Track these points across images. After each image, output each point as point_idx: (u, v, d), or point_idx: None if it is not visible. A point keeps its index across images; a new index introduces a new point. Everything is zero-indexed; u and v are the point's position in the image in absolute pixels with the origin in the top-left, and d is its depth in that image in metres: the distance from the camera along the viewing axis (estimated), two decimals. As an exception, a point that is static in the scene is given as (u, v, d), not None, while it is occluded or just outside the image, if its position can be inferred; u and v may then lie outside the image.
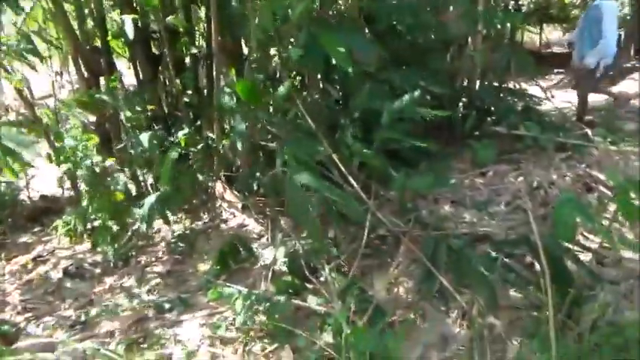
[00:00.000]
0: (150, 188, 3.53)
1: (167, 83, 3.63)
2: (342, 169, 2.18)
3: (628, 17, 13.03)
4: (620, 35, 14.19)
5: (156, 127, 3.43)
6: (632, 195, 1.34)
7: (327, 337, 1.80)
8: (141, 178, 3.54)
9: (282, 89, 2.27)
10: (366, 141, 2.50)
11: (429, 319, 1.86)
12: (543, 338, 1.32)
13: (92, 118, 3.60)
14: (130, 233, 3.03)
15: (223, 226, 2.95)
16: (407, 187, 2.26)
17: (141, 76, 3.71)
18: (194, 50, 3.27)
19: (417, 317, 1.88)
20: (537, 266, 1.89)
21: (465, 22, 3.69)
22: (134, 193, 3.46)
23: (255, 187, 2.87)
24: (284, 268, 2.27)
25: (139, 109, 3.25)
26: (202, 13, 3.53)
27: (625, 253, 2.04)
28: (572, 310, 1.71)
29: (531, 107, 4.05)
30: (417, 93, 2.18)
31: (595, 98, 4.91)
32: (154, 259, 2.78)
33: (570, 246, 1.85)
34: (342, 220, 2.46)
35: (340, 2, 3.24)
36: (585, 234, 2.21)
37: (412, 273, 2.10)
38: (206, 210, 3.11)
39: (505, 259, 2.02)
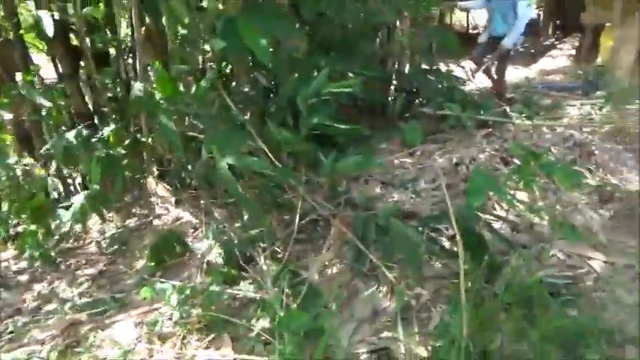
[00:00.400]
0: (78, 187, 3.41)
1: (90, 78, 3.48)
2: (272, 157, 2.20)
3: (544, -2, 13.79)
4: (539, 15, 14.98)
5: (80, 125, 3.29)
6: (532, 165, 1.47)
7: (264, 323, 1.84)
8: (68, 179, 3.40)
9: (204, 81, 2.26)
10: (296, 128, 2.54)
11: (360, 295, 1.94)
12: (457, 302, 1.43)
13: (9, 116, 3.40)
14: (57, 236, 2.91)
15: (157, 222, 2.90)
16: (336, 171, 2.32)
17: (61, 70, 3.53)
18: (115, 42, 3.15)
19: (350, 295, 1.96)
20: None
21: (389, 8, 3.79)
22: (61, 193, 3.33)
23: (188, 181, 2.85)
24: (220, 260, 2.28)
25: (61, 103, 3.11)
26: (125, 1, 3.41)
27: (536, 219, 2.21)
28: (490, 276, 1.85)
29: (456, 88, 4.25)
30: (325, 72, 2.21)
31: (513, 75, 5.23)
32: (84, 261, 2.69)
33: (486, 215, 1.99)
34: (275, 207, 2.50)
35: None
36: (502, 205, 2.38)
37: (344, 253, 2.17)
38: (138, 207, 3.04)
39: (430, 233, 2.14)
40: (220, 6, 2.40)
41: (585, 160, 2.74)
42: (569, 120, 3.72)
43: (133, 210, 3.05)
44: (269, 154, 2.22)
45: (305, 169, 2.54)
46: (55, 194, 3.20)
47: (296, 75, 3.04)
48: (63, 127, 3.27)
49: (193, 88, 2.54)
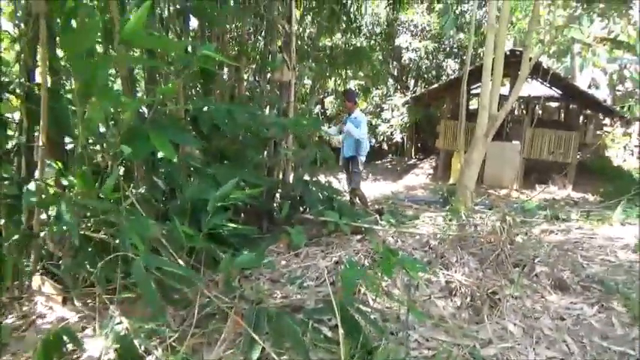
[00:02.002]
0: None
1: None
2: (173, 254, 2.41)
3: (407, 125, 16.09)
4: (403, 139, 17.11)
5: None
6: (391, 259, 1.91)
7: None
8: None
9: (109, 181, 2.45)
10: (194, 228, 2.78)
11: (254, 381, 2.13)
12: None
13: None
14: None
15: (40, 321, 2.81)
16: (233, 267, 2.57)
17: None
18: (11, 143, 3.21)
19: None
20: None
21: (276, 128, 4.36)
22: None
23: (81, 277, 2.85)
24: (112, 357, 2.31)
25: None
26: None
27: (402, 311, 2.65)
28: (366, 358, 2.18)
29: (334, 197, 4.84)
30: (233, 182, 2.56)
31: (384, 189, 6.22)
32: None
33: (361, 307, 2.36)
34: (171, 302, 2.64)
35: (168, 106, 3.59)
36: (374, 298, 2.79)
37: (239, 344, 2.36)
38: (19, 305, 2.92)
39: (314, 324, 2.45)
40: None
41: (437, 261, 3.33)
42: (427, 229, 4.43)
43: (12, 309, 2.90)
44: (171, 252, 2.42)
45: (203, 266, 2.74)
46: None
47: (194, 181, 3.35)
48: None
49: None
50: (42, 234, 2.98)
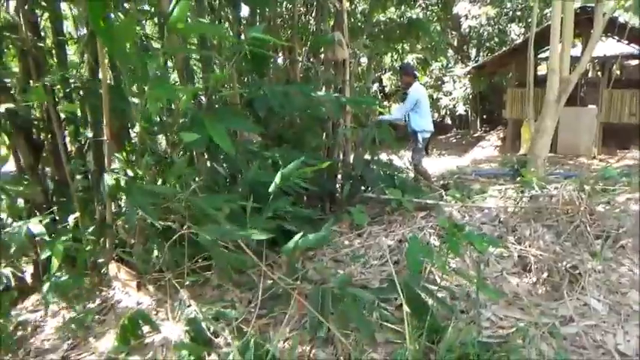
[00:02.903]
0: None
1: (52, 170, 3.63)
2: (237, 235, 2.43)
3: (470, 96, 15.44)
4: (467, 111, 16.50)
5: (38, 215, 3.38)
6: (458, 235, 1.80)
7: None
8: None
9: (173, 169, 2.51)
10: (257, 212, 2.80)
11: (321, 362, 2.12)
12: None
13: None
14: (12, 327, 2.90)
15: (118, 306, 2.96)
16: (298, 248, 2.56)
17: (22, 163, 3.67)
18: (82, 137, 3.38)
19: (311, 363, 2.12)
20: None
21: (334, 107, 4.29)
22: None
23: (152, 263, 2.98)
24: (185, 339, 2.39)
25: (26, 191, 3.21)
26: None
27: (472, 288, 2.52)
28: (434, 338, 2.10)
29: (396, 175, 4.71)
30: (296, 164, 2.53)
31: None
32: (47, 346, 2.69)
33: (428, 285, 2.27)
34: (237, 285, 2.68)
35: (224, 90, 3.61)
36: (443, 276, 2.68)
37: (305, 324, 2.35)
38: (99, 291, 3.10)
39: (380, 303, 2.39)
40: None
41: (509, 235, 3.14)
42: (496, 202, 4.21)
43: (94, 295, 3.09)
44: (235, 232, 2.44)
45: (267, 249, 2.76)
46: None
47: (254, 165, 3.37)
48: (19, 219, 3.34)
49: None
50: (115, 223, 3.13)
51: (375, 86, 14.64)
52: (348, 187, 4.46)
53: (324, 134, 5.14)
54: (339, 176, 5.16)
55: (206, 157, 3.51)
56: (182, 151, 3.31)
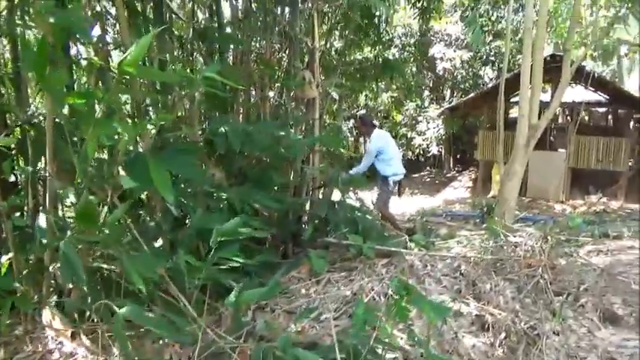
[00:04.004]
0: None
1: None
2: (174, 288, 2.26)
3: (444, 136, 15.68)
4: (440, 151, 16.77)
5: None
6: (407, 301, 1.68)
7: None
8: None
9: (115, 213, 2.35)
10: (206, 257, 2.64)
11: None
12: None
13: None
14: None
15: (49, 356, 2.72)
16: (241, 302, 2.40)
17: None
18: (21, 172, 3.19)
19: None
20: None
21: (299, 147, 4.20)
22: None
23: (88, 313, 2.76)
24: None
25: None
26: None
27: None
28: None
29: (363, 217, 4.61)
30: (236, 221, 2.40)
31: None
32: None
33: (377, 345, 2.13)
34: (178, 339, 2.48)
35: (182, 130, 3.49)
36: (396, 333, 2.54)
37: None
38: (29, 340, 2.85)
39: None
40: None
41: (469, 289, 3.04)
42: (460, 250, 4.13)
43: (23, 344, 2.84)
44: (173, 287, 2.27)
45: (211, 300, 2.59)
46: None
47: (206, 207, 3.22)
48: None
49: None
50: (53, 266, 2.92)
51: (351, 123, 14.71)
52: (311, 230, 4.33)
53: (292, 172, 5.05)
54: (305, 217, 5.05)
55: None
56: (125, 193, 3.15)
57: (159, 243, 3.34)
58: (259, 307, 3.00)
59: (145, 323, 2.06)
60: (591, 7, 11.66)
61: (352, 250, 3.83)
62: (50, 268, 2.88)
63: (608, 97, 14.00)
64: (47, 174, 2.83)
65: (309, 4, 5.11)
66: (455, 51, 14.47)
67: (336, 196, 4.82)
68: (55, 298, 2.99)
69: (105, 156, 3.13)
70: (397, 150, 6.19)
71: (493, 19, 13.62)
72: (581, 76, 11.02)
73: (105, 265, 2.66)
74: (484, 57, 14.76)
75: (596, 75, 11.29)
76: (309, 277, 3.60)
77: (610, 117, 17.31)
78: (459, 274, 3.28)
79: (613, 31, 14.01)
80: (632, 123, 14.55)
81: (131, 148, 3.04)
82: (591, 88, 13.18)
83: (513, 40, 12.61)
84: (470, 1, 13.67)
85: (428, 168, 17.38)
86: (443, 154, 16.92)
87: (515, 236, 4.15)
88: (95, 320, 2.73)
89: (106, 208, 2.70)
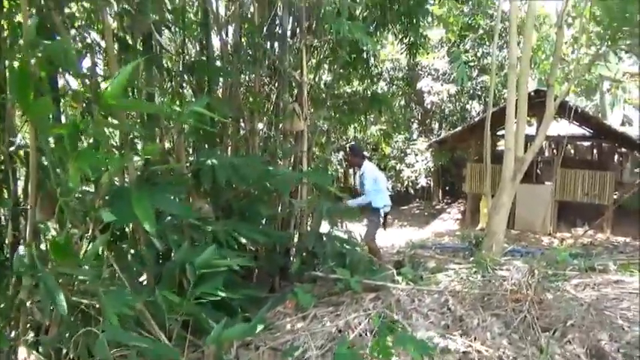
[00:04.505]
0: None
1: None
2: (154, 324, 2.20)
3: (432, 169, 15.81)
4: (428, 183, 16.87)
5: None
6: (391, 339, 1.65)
7: None
8: None
9: (94, 246, 2.31)
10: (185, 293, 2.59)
11: None
12: None
13: None
14: None
15: (22, 397, 2.61)
16: (223, 339, 2.34)
17: None
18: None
19: None
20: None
21: (286, 181, 4.20)
22: None
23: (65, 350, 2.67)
24: None
25: None
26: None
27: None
28: None
29: (350, 250, 4.57)
30: (211, 249, 2.37)
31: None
32: None
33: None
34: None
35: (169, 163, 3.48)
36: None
37: None
38: (3, 380, 2.74)
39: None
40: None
41: (456, 324, 3.00)
42: (448, 284, 4.10)
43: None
44: (152, 323, 2.21)
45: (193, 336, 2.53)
46: None
47: (191, 241, 3.18)
48: None
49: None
50: (31, 302, 2.84)
51: (341, 155, 14.82)
52: (299, 263, 4.29)
53: (280, 204, 5.03)
54: (293, 249, 5.01)
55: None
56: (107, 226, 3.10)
57: (143, 277, 3.29)
58: (243, 344, 2.94)
59: (128, 341, 1.99)
60: (573, 45, 12.03)
61: (339, 284, 3.78)
62: (28, 303, 2.80)
63: (592, 132, 14.30)
64: (29, 206, 2.78)
65: (298, 39, 5.21)
66: (442, 85, 14.76)
67: (324, 227, 4.80)
68: (31, 335, 2.90)
69: (89, 188, 3.10)
70: (385, 181, 6.23)
71: (479, 54, 13.98)
72: (565, 110, 11.26)
73: (84, 301, 2.59)
74: (471, 91, 15.07)
75: (579, 110, 11.55)
76: (296, 312, 3.54)
77: (595, 150, 17.66)
78: (446, 309, 3.25)
79: (594, 67, 14.44)
80: (616, 157, 14.83)
81: (117, 180, 3.03)
82: (576, 123, 13.46)
83: (499, 76, 12.91)
84: (456, 37, 14.06)
85: (417, 200, 17.45)
86: (432, 186, 17.04)
87: (502, 269, 4.14)
88: (72, 358, 2.64)
89: (86, 241, 2.67)
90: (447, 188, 17.66)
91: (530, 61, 10.34)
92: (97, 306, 2.59)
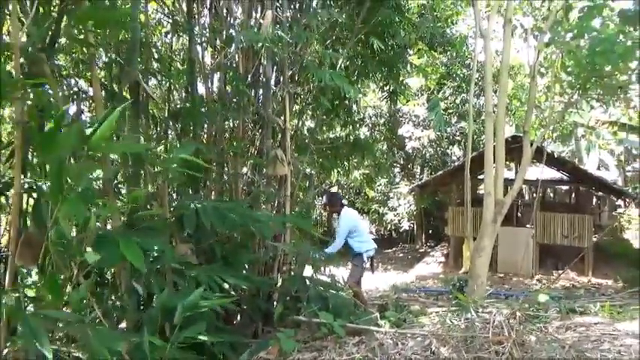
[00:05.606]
0: None
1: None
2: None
3: (415, 212, 15.95)
4: (411, 226, 16.88)
5: None
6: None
7: None
8: None
9: (79, 291, 2.30)
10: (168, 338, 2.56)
11: None
12: None
13: None
14: None
15: None
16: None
17: None
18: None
19: None
20: None
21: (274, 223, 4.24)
22: None
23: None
24: None
25: None
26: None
27: None
28: None
29: (334, 294, 4.56)
30: (199, 292, 2.38)
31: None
32: None
33: None
34: None
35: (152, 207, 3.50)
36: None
37: None
38: None
39: None
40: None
41: (440, 368, 3.00)
42: (431, 327, 4.10)
43: None
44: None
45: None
46: None
47: (174, 285, 3.17)
48: None
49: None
50: (7, 350, 2.78)
51: (324, 198, 14.88)
52: (281, 308, 4.25)
53: (264, 249, 5.03)
54: (276, 295, 4.97)
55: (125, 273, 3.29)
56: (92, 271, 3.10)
57: (124, 324, 3.24)
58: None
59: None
60: (546, 94, 12.54)
61: (323, 329, 3.76)
62: (5, 351, 2.74)
63: (569, 176, 14.70)
64: (9, 252, 2.77)
65: (281, 87, 5.38)
66: (422, 131, 15.16)
67: (308, 271, 4.80)
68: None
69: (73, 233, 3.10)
70: (366, 225, 6.29)
71: (457, 101, 14.47)
72: (541, 155, 11.62)
73: (64, 349, 2.55)
74: (451, 137, 15.49)
75: (556, 155, 11.94)
76: (279, 357, 3.50)
77: (573, 194, 18.06)
78: (429, 353, 3.25)
79: (568, 115, 15.01)
80: (593, 200, 15.19)
81: (100, 224, 3.04)
82: (554, 167, 13.86)
83: (477, 122, 13.34)
84: (434, 85, 14.58)
85: (400, 243, 17.48)
86: (415, 229, 17.14)
87: (485, 312, 4.17)
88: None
89: (69, 286, 2.65)
90: (430, 231, 17.76)
91: (507, 108, 10.73)
92: (79, 355, 2.55)
